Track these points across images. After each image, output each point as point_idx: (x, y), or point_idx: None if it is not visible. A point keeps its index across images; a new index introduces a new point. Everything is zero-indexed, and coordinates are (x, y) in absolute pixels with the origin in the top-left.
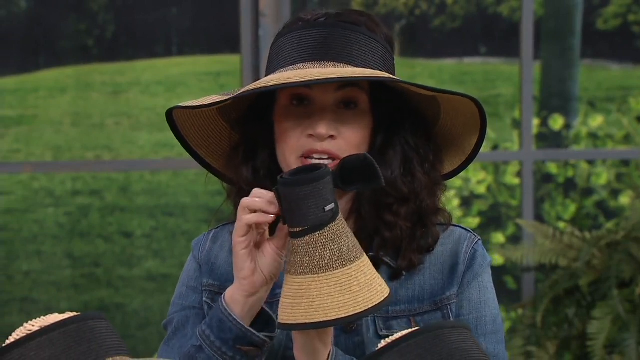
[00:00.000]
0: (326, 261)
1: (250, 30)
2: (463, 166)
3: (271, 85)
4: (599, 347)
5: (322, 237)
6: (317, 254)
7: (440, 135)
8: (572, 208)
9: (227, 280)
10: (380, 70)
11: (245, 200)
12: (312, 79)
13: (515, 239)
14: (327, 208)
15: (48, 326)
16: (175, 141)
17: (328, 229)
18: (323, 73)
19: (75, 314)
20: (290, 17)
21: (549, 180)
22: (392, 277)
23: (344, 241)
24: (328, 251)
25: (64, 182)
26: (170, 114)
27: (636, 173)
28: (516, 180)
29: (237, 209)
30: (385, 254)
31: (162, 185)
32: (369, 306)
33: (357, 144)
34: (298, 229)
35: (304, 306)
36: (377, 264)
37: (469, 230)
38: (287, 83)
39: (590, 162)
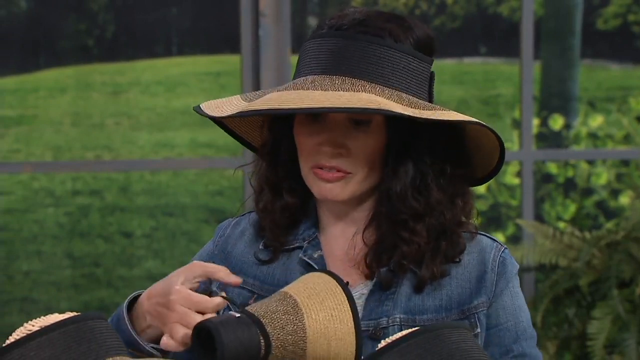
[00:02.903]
0: None
1: (250, 30)
2: (485, 179)
3: (259, 110)
4: (599, 347)
5: None
6: None
7: (470, 141)
8: (572, 208)
9: (239, 271)
10: (400, 84)
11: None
12: (296, 107)
13: (515, 239)
14: None
15: (48, 326)
16: (175, 141)
17: None
18: (317, 100)
19: (75, 314)
20: (318, 21)
21: (549, 180)
22: (416, 288)
23: None
24: None
25: (64, 182)
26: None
27: (636, 173)
28: (516, 180)
29: (258, 207)
30: (408, 263)
31: (162, 185)
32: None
33: (366, 160)
34: None
35: None
36: (404, 270)
37: (494, 239)
38: (271, 109)
39: (590, 162)
